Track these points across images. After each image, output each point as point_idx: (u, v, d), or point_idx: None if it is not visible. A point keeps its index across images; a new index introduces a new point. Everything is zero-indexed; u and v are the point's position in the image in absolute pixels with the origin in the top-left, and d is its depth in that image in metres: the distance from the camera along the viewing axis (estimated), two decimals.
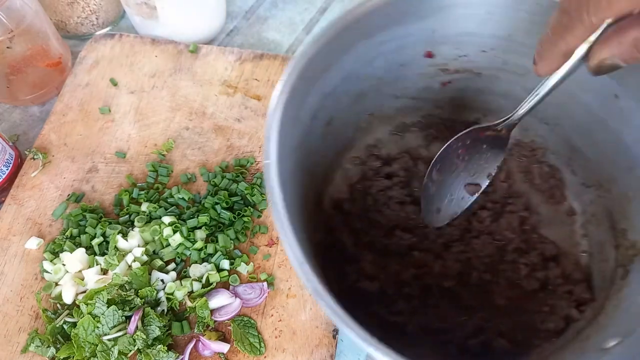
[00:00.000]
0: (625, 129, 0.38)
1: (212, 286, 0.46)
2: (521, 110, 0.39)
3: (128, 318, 0.42)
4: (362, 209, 0.48)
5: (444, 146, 0.43)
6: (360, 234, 0.47)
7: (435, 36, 0.40)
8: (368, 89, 0.43)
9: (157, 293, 0.45)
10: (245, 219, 0.49)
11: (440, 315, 0.43)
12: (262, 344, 0.44)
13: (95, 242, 0.47)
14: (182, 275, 0.47)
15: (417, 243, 0.46)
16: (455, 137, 0.43)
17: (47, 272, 0.46)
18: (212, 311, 0.45)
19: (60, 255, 0.46)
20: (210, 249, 0.47)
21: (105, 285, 0.43)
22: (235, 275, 0.47)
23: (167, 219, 0.48)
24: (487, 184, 0.45)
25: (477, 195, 0.45)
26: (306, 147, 0.38)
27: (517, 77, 0.41)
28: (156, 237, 0.47)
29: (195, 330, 0.44)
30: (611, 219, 0.41)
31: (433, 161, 0.44)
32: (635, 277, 0.36)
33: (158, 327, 0.42)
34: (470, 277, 0.44)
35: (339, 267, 0.45)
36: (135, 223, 0.49)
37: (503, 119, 0.41)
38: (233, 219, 0.49)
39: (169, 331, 0.43)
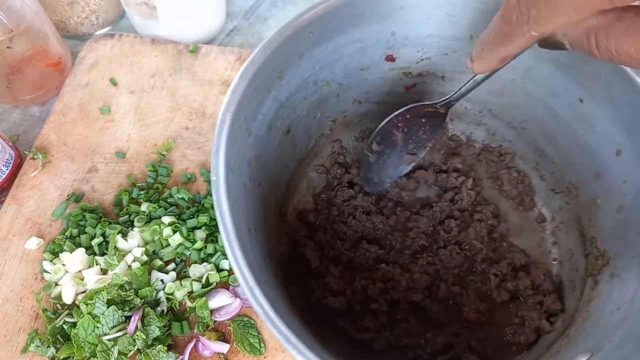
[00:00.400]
0: (590, 134, 0.37)
1: (212, 286, 0.46)
2: (458, 93, 0.38)
3: (128, 318, 0.42)
4: (327, 220, 0.47)
5: (385, 120, 0.42)
6: (325, 247, 0.46)
7: (395, 39, 0.39)
8: (328, 94, 0.42)
9: (156, 293, 0.45)
10: None
11: (409, 331, 0.42)
12: (262, 344, 0.44)
13: (95, 242, 0.47)
14: (181, 276, 0.47)
15: (383, 255, 0.45)
16: (396, 112, 0.42)
17: (47, 272, 0.46)
18: (212, 311, 0.45)
19: (60, 255, 0.46)
20: (210, 249, 0.47)
21: (105, 286, 0.43)
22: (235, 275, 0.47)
23: (166, 219, 0.48)
24: (423, 155, 0.44)
25: (413, 164, 0.45)
26: (264, 159, 0.37)
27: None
28: (156, 237, 0.47)
29: (195, 331, 0.44)
30: (580, 226, 0.41)
31: (373, 134, 0.43)
32: (605, 288, 0.36)
33: (158, 327, 0.42)
34: (439, 290, 0.43)
35: (304, 282, 0.44)
36: (135, 223, 0.49)
37: (442, 99, 0.40)
38: None
39: (169, 331, 0.43)
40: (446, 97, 0.40)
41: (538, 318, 0.41)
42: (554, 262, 0.44)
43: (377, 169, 0.45)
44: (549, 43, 0.27)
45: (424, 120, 0.42)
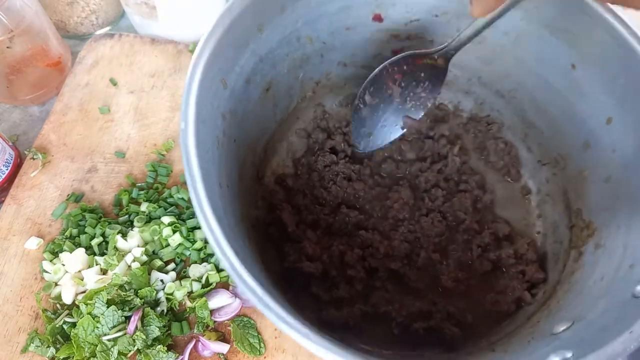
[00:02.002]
0: (581, 101, 0.36)
1: (211, 286, 0.46)
2: (457, 41, 0.36)
3: (128, 318, 0.42)
4: (306, 185, 0.44)
5: (378, 67, 0.40)
6: (303, 212, 0.44)
7: None
8: (311, 53, 0.40)
9: (156, 293, 0.45)
10: None
11: (386, 299, 0.40)
12: (262, 344, 0.44)
13: (94, 242, 0.47)
14: (181, 276, 0.47)
15: (363, 221, 0.44)
16: (390, 60, 0.39)
17: (46, 272, 0.46)
18: (212, 311, 0.45)
19: (60, 255, 0.46)
20: (210, 249, 0.47)
21: (105, 286, 0.43)
22: None
23: (166, 219, 0.48)
24: (421, 115, 0.42)
25: (411, 128, 0.42)
26: (240, 114, 0.35)
27: (472, 46, 0.39)
28: (156, 237, 0.47)
29: (195, 331, 0.44)
30: (566, 198, 0.40)
31: (365, 82, 0.41)
32: (589, 259, 0.35)
33: (158, 327, 0.42)
34: (419, 258, 0.42)
35: (279, 247, 0.42)
36: (135, 223, 0.48)
37: (439, 47, 0.38)
38: None
39: (169, 331, 0.43)
40: (443, 46, 0.38)
41: (520, 288, 0.40)
42: (538, 235, 0.43)
43: (370, 124, 0.42)
44: None
45: (422, 74, 0.40)
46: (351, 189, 0.45)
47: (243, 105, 0.36)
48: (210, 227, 0.25)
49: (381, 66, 0.40)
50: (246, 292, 0.24)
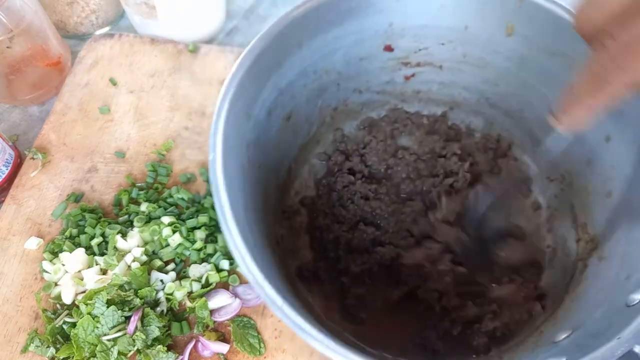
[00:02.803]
0: None
1: (211, 286, 0.46)
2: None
3: (127, 318, 0.42)
4: (327, 205, 0.47)
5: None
6: (324, 232, 0.46)
7: (392, 29, 0.40)
8: (328, 83, 0.43)
9: (156, 293, 0.45)
10: None
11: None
12: (262, 345, 0.44)
13: (94, 242, 0.47)
14: (181, 276, 0.47)
15: (379, 236, 0.46)
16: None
17: (46, 272, 0.46)
18: (212, 311, 0.45)
19: (60, 255, 0.46)
20: (209, 249, 0.47)
21: (105, 286, 0.43)
22: (234, 275, 0.47)
23: (166, 219, 0.48)
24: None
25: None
26: (263, 143, 0.37)
27: (478, 70, 0.42)
28: (155, 237, 0.47)
29: (195, 331, 0.44)
30: (573, 213, 0.42)
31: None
32: (592, 270, 0.37)
33: (157, 327, 0.42)
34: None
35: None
36: (135, 223, 0.48)
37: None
38: None
39: (169, 331, 0.43)
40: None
41: (529, 298, 0.41)
42: (548, 248, 0.44)
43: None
44: None
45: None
46: (368, 207, 0.47)
47: (265, 134, 0.38)
48: (236, 246, 0.28)
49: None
50: (268, 302, 0.27)
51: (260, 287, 0.27)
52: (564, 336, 0.32)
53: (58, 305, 0.45)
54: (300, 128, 0.44)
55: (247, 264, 0.28)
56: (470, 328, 0.41)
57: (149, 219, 0.49)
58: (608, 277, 0.34)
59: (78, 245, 0.47)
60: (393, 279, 0.45)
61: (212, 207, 0.49)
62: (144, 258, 0.46)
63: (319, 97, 0.44)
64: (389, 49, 0.42)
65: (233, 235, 0.28)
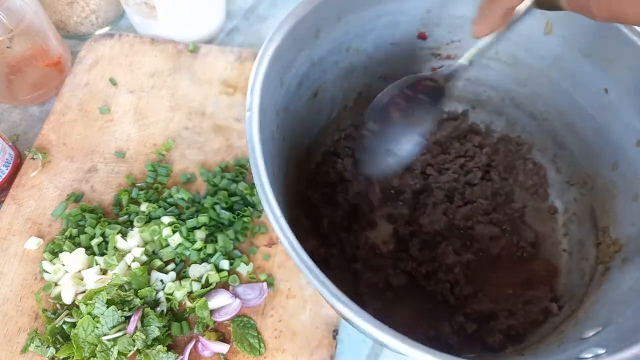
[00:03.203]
0: (612, 124, 0.38)
1: (211, 286, 0.46)
2: (460, 61, 0.37)
3: (127, 318, 0.42)
4: (324, 193, 0.46)
5: (381, 94, 0.40)
6: (338, 220, 0.46)
7: (429, 16, 0.39)
8: (357, 64, 0.42)
9: (156, 293, 0.45)
10: (244, 219, 0.49)
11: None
12: (262, 345, 0.44)
13: (94, 242, 0.47)
14: (181, 276, 0.47)
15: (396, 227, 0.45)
16: (394, 84, 0.39)
17: (46, 272, 0.46)
18: (212, 311, 0.45)
19: (60, 255, 0.46)
20: (209, 249, 0.47)
21: (105, 286, 0.43)
22: (234, 275, 0.47)
23: (166, 219, 0.48)
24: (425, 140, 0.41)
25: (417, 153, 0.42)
26: (291, 113, 0.37)
27: (508, 68, 0.41)
28: (155, 237, 0.47)
29: (195, 331, 0.44)
30: (593, 217, 0.41)
31: (367, 111, 0.41)
32: (616, 272, 0.36)
33: (157, 327, 0.42)
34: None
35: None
36: (135, 223, 0.48)
37: (441, 70, 0.39)
38: (233, 219, 0.49)
39: (169, 331, 0.43)
40: (444, 68, 0.38)
41: (545, 299, 0.41)
42: (563, 252, 0.44)
43: (384, 147, 0.42)
44: (544, 2, 0.27)
45: (425, 98, 0.40)
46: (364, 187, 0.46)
47: (294, 105, 0.38)
48: (271, 206, 0.28)
49: (385, 91, 0.40)
50: (301, 267, 0.26)
51: (295, 252, 0.26)
52: (592, 333, 0.31)
53: (58, 305, 0.45)
54: (324, 107, 0.43)
55: (278, 219, 0.27)
56: (486, 325, 0.41)
57: (149, 219, 0.49)
58: (636, 277, 0.33)
59: (78, 245, 0.47)
60: (400, 266, 0.43)
61: (212, 207, 0.49)
62: (144, 258, 0.46)
63: (346, 78, 0.43)
64: (422, 36, 0.42)
65: (268, 195, 0.28)
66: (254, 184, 0.51)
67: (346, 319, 0.26)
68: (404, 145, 0.41)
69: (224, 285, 0.47)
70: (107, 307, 0.42)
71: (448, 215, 0.45)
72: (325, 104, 0.43)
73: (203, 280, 0.46)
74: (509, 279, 0.43)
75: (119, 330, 0.41)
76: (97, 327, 0.41)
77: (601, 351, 0.27)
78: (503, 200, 0.46)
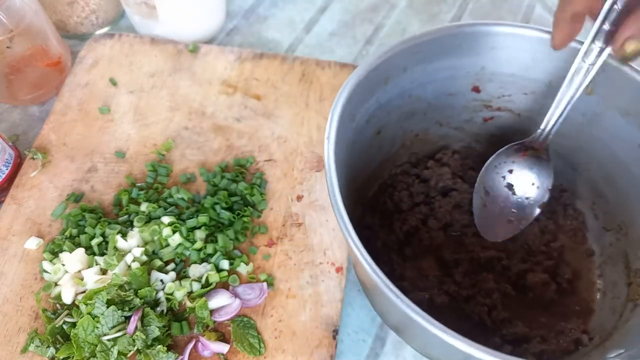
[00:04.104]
0: None
1: (211, 286, 0.46)
2: (549, 123, 0.42)
3: (127, 318, 0.42)
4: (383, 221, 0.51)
5: (487, 165, 0.47)
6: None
7: (483, 73, 0.44)
8: (417, 110, 0.47)
9: (156, 293, 0.45)
10: (244, 219, 0.49)
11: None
12: (262, 345, 0.44)
13: (94, 242, 0.47)
14: (181, 276, 0.47)
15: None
16: (496, 155, 0.46)
17: (46, 272, 0.46)
18: (212, 311, 0.45)
19: (60, 255, 0.46)
20: (209, 249, 0.47)
21: (105, 286, 0.43)
22: (234, 275, 0.47)
23: (166, 219, 0.48)
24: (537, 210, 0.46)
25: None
26: (357, 146, 0.42)
27: None
28: (155, 237, 0.47)
29: (195, 331, 0.44)
30: (626, 260, 0.44)
31: (478, 180, 0.47)
32: None
33: (157, 327, 0.42)
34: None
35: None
36: (135, 223, 0.48)
37: (537, 134, 0.44)
38: (233, 219, 0.49)
39: (169, 331, 0.43)
40: (540, 132, 0.43)
41: (577, 330, 0.44)
42: (598, 292, 0.47)
43: (491, 217, 0.48)
44: (628, 53, 0.30)
45: (530, 166, 0.46)
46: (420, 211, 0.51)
47: (360, 140, 0.43)
48: (345, 222, 0.32)
49: (488, 163, 0.47)
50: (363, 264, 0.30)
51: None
52: (614, 354, 0.35)
53: (58, 305, 0.45)
54: (385, 143, 0.48)
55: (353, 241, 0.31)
56: (519, 348, 0.43)
57: (149, 219, 0.49)
58: None
59: (78, 245, 0.47)
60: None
61: (212, 207, 0.49)
62: (144, 258, 0.46)
63: (407, 120, 0.48)
64: (476, 90, 0.46)
65: (341, 210, 0.32)
66: (254, 183, 0.52)
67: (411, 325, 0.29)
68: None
69: (224, 285, 0.47)
70: (107, 307, 0.42)
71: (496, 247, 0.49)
72: (386, 141, 0.48)
73: (203, 280, 0.46)
74: (543, 310, 0.46)
75: (119, 330, 0.41)
76: (97, 327, 0.41)
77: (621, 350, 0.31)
78: (546, 239, 0.49)
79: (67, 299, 0.44)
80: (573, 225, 0.50)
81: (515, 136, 0.47)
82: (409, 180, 0.52)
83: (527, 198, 0.47)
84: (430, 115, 0.48)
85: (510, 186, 0.47)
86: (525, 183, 0.47)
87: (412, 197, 0.51)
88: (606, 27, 0.34)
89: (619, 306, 0.43)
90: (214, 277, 0.46)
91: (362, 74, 0.38)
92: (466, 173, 0.51)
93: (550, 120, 0.42)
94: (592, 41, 0.36)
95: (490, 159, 0.47)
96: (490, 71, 0.45)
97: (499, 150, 0.47)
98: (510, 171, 0.47)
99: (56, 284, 0.46)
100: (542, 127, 0.43)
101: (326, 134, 0.36)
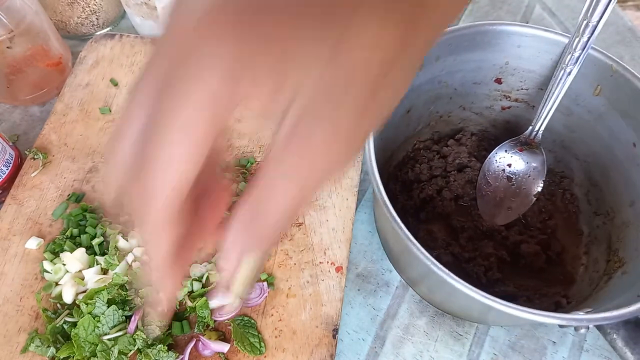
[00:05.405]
0: (635, 171, 0.47)
1: (212, 286, 0.46)
2: (538, 124, 0.50)
3: (128, 318, 0.42)
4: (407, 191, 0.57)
5: (488, 160, 0.53)
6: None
7: (507, 67, 0.50)
8: (444, 94, 0.52)
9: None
10: None
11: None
12: (262, 344, 0.44)
13: (95, 242, 0.47)
14: None
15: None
16: (495, 151, 0.53)
17: (47, 272, 0.46)
18: (212, 311, 0.45)
19: (61, 255, 0.46)
20: (210, 248, 0.47)
21: (106, 285, 0.43)
22: None
23: None
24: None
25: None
26: (389, 122, 0.46)
27: (562, 116, 0.51)
28: None
29: (196, 330, 0.44)
30: (609, 240, 0.50)
31: (480, 174, 0.54)
32: (615, 281, 0.46)
33: (158, 327, 0.42)
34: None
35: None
36: None
37: (531, 129, 0.51)
38: None
39: (169, 331, 0.43)
40: (532, 128, 0.50)
41: (558, 294, 0.49)
42: (581, 266, 0.52)
43: (493, 205, 0.54)
44: None
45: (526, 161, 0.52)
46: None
47: (392, 116, 0.48)
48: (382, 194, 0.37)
49: (489, 158, 0.53)
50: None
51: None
52: (584, 312, 0.39)
53: (58, 305, 0.45)
54: (412, 122, 0.54)
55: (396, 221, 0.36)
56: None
57: None
58: (627, 283, 0.43)
59: (79, 245, 0.47)
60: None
61: None
62: (145, 258, 0.47)
63: (433, 103, 0.53)
64: (498, 81, 0.52)
65: (378, 182, 0.37)
66: None
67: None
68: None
69: None
70: (108, 307, 0.42)
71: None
72: (414, 120, 0.54)
73: (204, 280, 0.46)
74: (532, 276, 0.51)
75: (120, 330, 0.41)
76: (98, 327, 0.41)
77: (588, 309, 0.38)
78: (543, 217, 0.55)
79: (68, 298, 0.44)
80: (568, 207, 0.56)
81: (527, 125, 0.52)
82: (429, 155, 0.57)
83: (524, 189, 0.53)
84: (455, 100, 0.54)
85: (509, 178, 0.53)
86: (522, 175, 0.53)
87: (431, 170, 0.56)
88: (592, 22, 0.40)
89: (596, 278, 0.48)
90: (215, 277, 0.46)
91: None
92: (480, 153, 0.57)
93: (539, 120, 0.49)
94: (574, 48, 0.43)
95: (492, 153, 0.53)
96: (513, 66, 0.50)
97: (499, 146, 0.53)
98: (509, 165, 0.53)
99: (57, 284, 0.46)
100: (532, 125, 0.50)
101: None
